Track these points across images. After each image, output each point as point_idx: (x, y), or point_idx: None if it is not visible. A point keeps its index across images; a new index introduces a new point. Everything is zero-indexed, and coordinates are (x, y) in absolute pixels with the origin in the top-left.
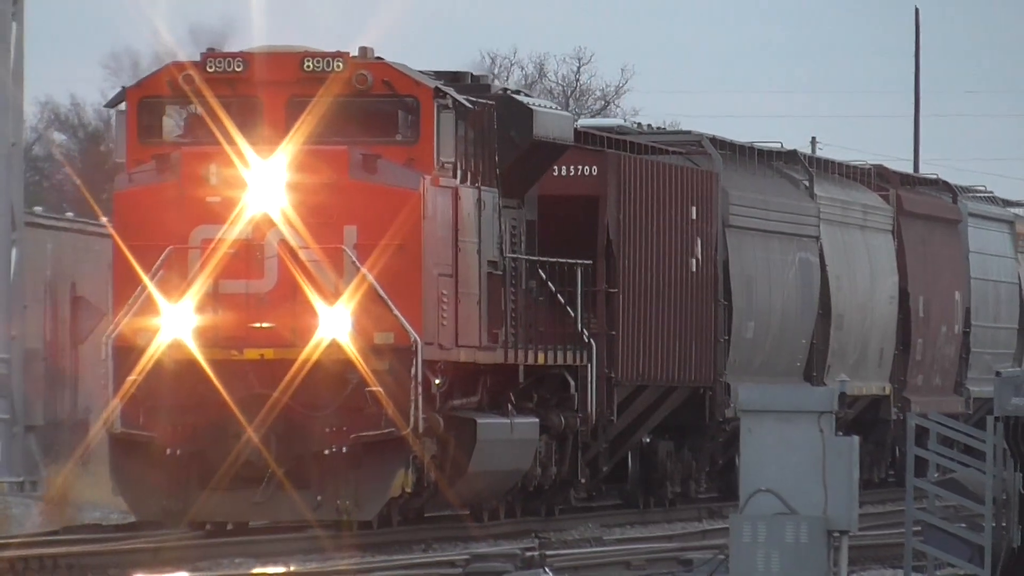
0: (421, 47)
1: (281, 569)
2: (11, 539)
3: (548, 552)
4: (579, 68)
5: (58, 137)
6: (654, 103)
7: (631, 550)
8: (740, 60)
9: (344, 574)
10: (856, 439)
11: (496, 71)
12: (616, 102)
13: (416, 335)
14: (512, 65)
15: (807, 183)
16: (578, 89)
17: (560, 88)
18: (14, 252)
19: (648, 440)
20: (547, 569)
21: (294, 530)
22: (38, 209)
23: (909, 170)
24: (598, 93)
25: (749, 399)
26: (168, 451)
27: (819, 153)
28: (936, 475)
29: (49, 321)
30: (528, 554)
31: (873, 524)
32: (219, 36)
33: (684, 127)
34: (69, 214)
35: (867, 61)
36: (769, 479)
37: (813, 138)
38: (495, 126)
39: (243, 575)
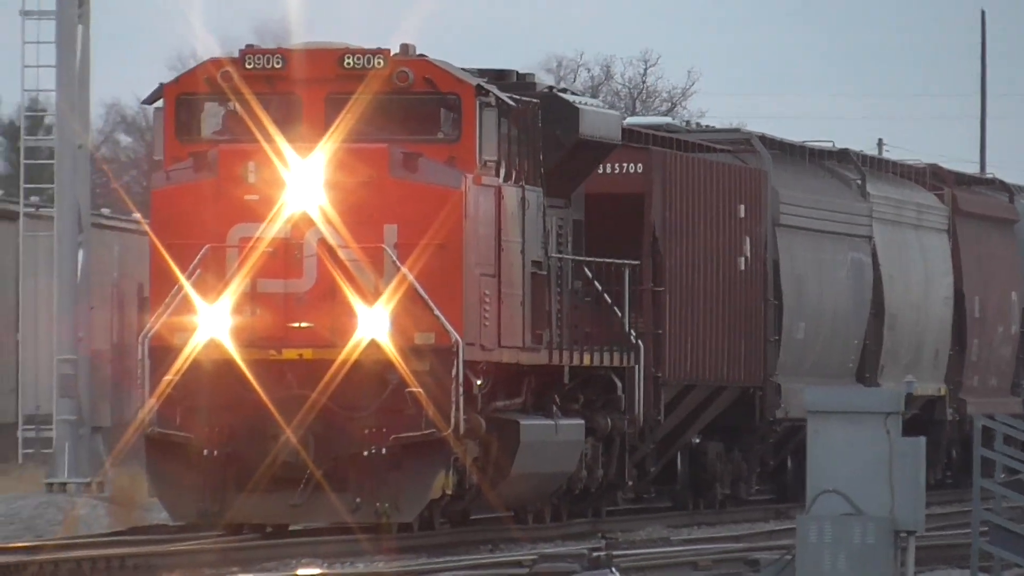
0: (488, 50)
1: (350, 570)
2: (79, 539)
3: (615, 552)
4: (645, 70)
5: (124, 139)
6: (720, 105)
7: (698, 550)
8: (806, 63)
9: (416, 574)
10: (923, 440)
11: (563, 73)
12: (682, 104)
13: (457, 335)
14: (579, 67)
15: (859, 182)
16: (644, 91)
17: (626, 90)
18: (81, 253)
19: (697, 441)
20: (614, 569)
21: (347, 532)
22: (105, 211)
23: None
24: (664, 95)
25: (816, 400)
26: (205, 452)
27: (885, 155)
28: (1003, 476)
29: (116, 322)
30: (595, 554)
31: (939, 525)
32: (284, 35)
33: (749, 129)
34: (136, 215)
35: (933, 64)
36: (836, 480)
37: (880, 140)
38: (540, 124)
39: (314, 575)
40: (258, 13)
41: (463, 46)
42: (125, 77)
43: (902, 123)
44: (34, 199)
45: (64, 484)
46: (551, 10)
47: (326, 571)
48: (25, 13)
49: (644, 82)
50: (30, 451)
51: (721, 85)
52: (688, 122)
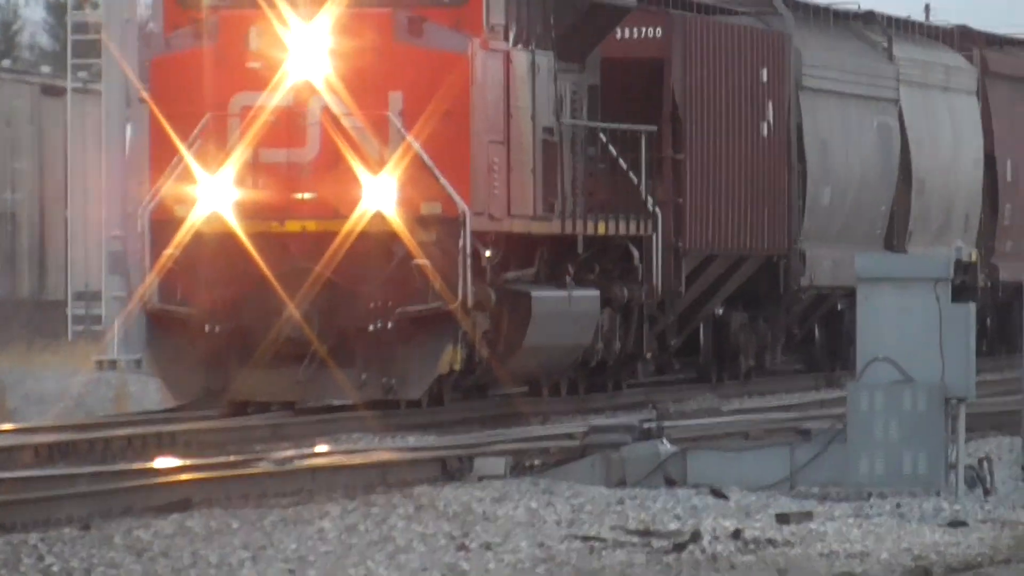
0: None
1: (400, 443)
2: (130, 416)
3: (665, 423)
4: None
5: None
6: None
7: (749, 421)
8: None
9: (467, 447)
10: (972, 305)
11: None
12: None
13: (464, 205)
14: None
15: (885, 44)
16: None
17: None
18: (129, 128)
19: (720, 312)
20: (665, 440)
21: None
22: None
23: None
24: None
25: (865, 267)
26: (206, 327)
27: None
28: None
29: None
30: (646, 425)
31: (989, 392)
32: None
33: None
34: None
35: None
36: (885, 347)
37: (927, 5)
38: None
39: (376, 449)
40: None
41: None
42: None
43: None
44: (81, 75)
45: (114, 361)
46: None
47: (376, 446)
48: None
49: None
50: (80, 328)
51: None
52: None
